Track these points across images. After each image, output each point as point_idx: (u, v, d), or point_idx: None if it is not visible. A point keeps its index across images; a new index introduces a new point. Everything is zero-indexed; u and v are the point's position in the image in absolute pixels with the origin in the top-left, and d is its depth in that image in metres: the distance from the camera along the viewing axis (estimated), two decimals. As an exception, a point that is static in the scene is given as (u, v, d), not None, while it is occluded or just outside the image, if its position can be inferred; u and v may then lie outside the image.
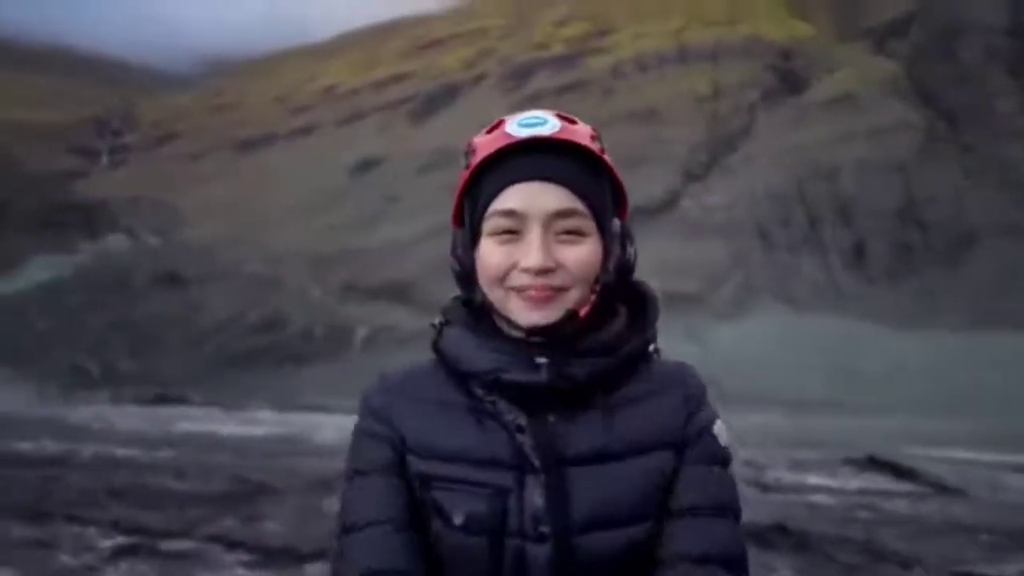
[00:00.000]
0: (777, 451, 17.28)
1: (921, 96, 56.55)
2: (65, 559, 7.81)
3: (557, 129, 1.30)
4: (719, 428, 1.36)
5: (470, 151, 1.34)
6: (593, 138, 1.33)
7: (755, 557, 8.19)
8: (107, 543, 8.35)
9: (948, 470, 14.40)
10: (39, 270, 45.40)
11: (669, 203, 53.96)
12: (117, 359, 37.74)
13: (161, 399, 27.31)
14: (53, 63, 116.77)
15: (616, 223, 1.35)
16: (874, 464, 15.21)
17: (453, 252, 1.37)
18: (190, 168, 77.00)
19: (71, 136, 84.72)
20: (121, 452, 14.89)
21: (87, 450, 14.98)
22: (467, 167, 1.34)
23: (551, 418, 1.29)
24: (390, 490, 1.30)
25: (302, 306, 45.28)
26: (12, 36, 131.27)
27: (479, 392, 1.31)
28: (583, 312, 1.30)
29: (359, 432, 1.36)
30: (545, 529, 1.25)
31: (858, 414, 27.33)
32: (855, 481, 13.79)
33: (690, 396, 1.35)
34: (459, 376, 1.32)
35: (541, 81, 67.96)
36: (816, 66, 61.77)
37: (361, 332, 42.37)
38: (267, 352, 39.98)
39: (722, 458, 1.34)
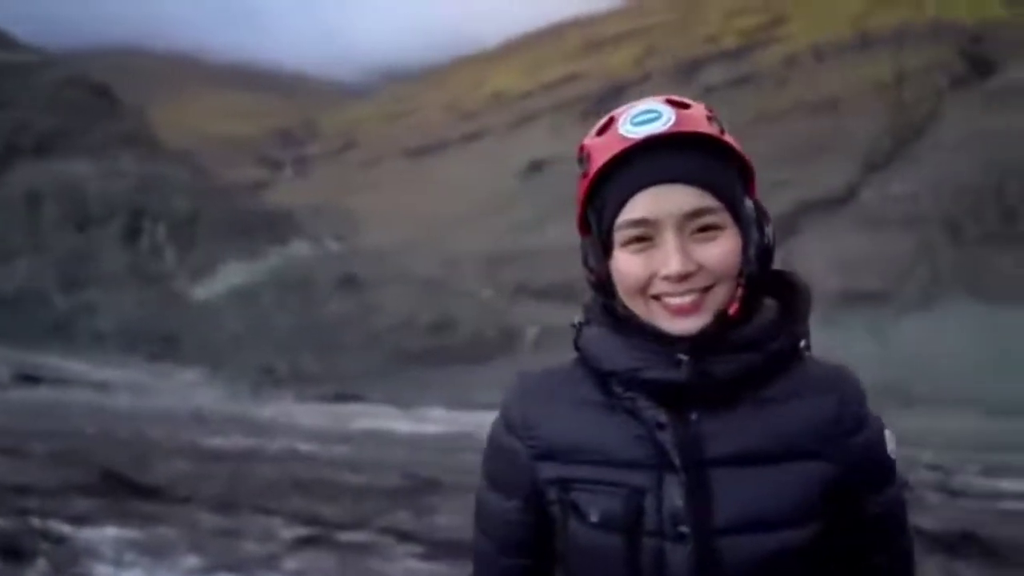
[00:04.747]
0: (968, 455, 16.40)
1: None
2: (250, 547, 8.23)
3: (672, 122, 1.23)
4: (889, 439, 1.30)
5: (584, 156, 1.29)
6: (710, 119, 1.26)
7: (942, 566, 7.76)
8: (288, 533, 8.77)
9: None
10: (232, 275, 47.95)
11: (849, 195, 51.99)
12: (301, 359, 39.54)
13: (341, 397, 28.43)
14: (239, 79, 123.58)
15: (749, 205, 1.28)
16: (1077, 470, 14.18)
17: (585, 263, 1.34)
18: (367, 175, 79.86)
19: (257, 148, 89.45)
20: (303, 447, 15.58)
21: (273, 445, 15.75)
22: (584, 174, 1.29)
23: (693, 415, 1.24)
24: (507, 512, 1.34)
25: (474, 307, 46.15)
26: (201, 54, 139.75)
27: (618, 390, 1.27)
28: (733, 310, 1.24)
29: (493, 437, 1.38)
30: (684, 529, 1.21)
31: (1060, 416, 25.48)
32: (1055, 488, 12.87)
33: (849, 403, 1.27)
34: (599, 374, 1.30)
35: (712, 75, 66.80)
36: (1007, 48, 58.04)
37: (532, 332, 42.80)
38: (440, 352, 40.97)
39: (895, 475, 1.30)
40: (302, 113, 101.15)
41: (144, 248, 47.58)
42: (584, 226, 1.34)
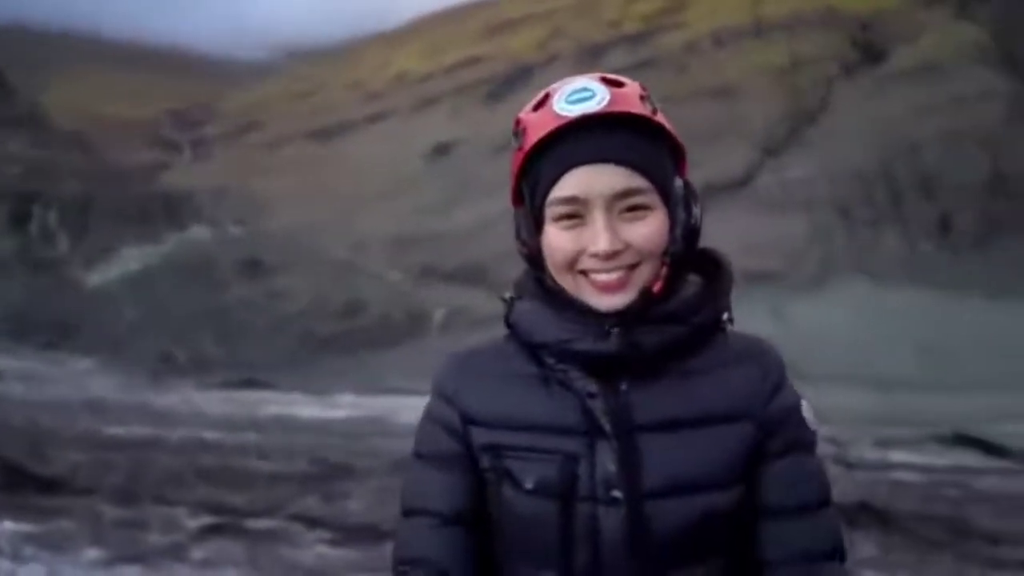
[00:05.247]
0: (861, 429, 16.98)
1: (1007, 62, 54.54)
2: (154, 538, 8.07)
3: (606, 101, 1.26)
4: (806, 409, 1.34)
5: (520, 130, 1.32)
6: (643, 98, 1.30)
7: (838, 535, 8.07)
8: (194, 523, 8.61)
9: (1039, 446, 13.97)
10: (128, 261, 46.67)
11: (747, 179, 53.18)
12: (203, 346, 38.72)
13: (246, 384, 27.94)
14: (134, 59, 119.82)
15: (678, 184, 1.32)
16: (961, 441, 14.85)
17: (518, 236, 1.36)
18: (271, 157, 78.36)
19: (154, 129, 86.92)
20: (208, 435, 15.29)
21: (175, 434, 15.42)
22: (519, 148, 1.32)
23: (623, 386, 1.28)
24: (444, 483, 1.32)
25: (381, 290, 45.82)
26: (94, 34, 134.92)
27: (550, 362, 1.30)
28: (657, 287, 1.28)
29: (427, 415, 1.38)
30: (617, 494, 1.24)
31: (945, 389, 26.63)
32: (942, 458, 13.49)
33: (769, 371, 1.32)
34: (530, 348, 1.32)
35: (614, 60, 67.37)
36: (896, 35, 60.05)
37: (439, 315, 42.73)
38: (348, 336, 40.60)
39: (812, 443, 1.34)
40: (201, 93, 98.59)
41: (34, 233, 45.96)
42: (518, 198, 1.37)
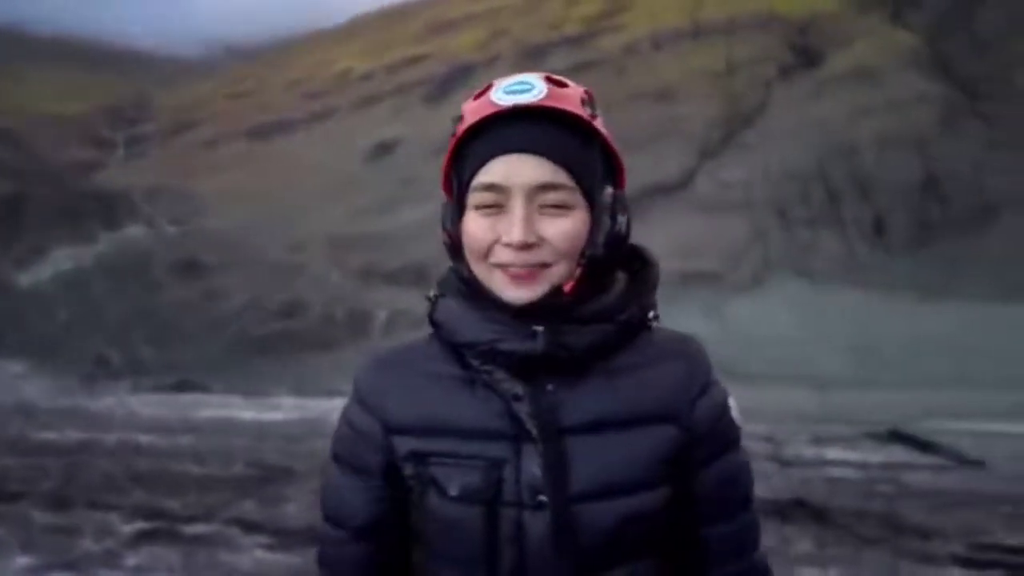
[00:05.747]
0: (797, 426, 17.23)
1: (940, 68, 55.85)
2: (87, 545, 7.89)
3: (542, 96, 1.25)
4: (733, 405, 1.34)
5: (459, 118, 1.31)
6: (584, 102, 1.28)
7: (775, 531, 8.16)
8: (128, 528, 8.44)
9: (969, 442, 14.32)
10: (60, 262, 45.66)
11: (685, 181, 53.69)
12: (138, 348, 38.01)
13: (182, 386, 27.49)
14: (69, 54, 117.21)
15: (608, 193, 1.30)
16: (895, 437, 15.16)
17: (443, 225, 1.33)
18: (209, 156, 77.25)
19: (88, 127, 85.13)
20: (143, 439, 15.01)
21: (110, 438, 15.11)
22: (454, 134, 1.30)
23: (549, 387, 1.26)
24: (357, 494, 1.31)
25: (322, 291, 45.36)
26: (27, 28, 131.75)
27: (475, 363, 1.28)
28: (568, 287, 1.26)
29: (345, 419, 1.36)
30: (543, 498, 1.23)
31: (879, 387, 27.17)
32: (876, 455, 13.74)
33: (696, 370, 1.32)
34: (454, 348, 1.30)
35: (555, 61, 67.61)
36: (833, 39, 61.12)
37: (381, 315, 42.42)
38: (288, 338, 40.14)
39: (738, 439, 1.35)
40: (137, 90, 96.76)
41: (-37, 233, 44.75)
42: (449, 187, 1.34)
